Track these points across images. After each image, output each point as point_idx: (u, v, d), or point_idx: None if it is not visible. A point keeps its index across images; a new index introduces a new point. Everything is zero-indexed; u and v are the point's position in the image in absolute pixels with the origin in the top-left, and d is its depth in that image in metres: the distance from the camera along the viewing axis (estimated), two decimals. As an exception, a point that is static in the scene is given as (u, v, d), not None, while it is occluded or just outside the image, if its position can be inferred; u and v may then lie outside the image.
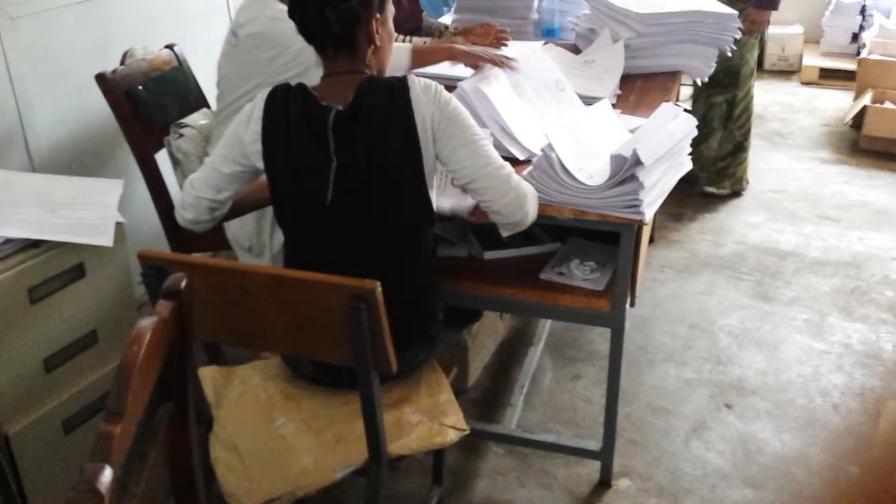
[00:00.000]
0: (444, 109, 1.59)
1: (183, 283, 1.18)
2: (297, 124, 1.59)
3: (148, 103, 2.38)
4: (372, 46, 1.64)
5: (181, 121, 2.35)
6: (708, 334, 2.80)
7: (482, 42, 2.51)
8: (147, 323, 1.07)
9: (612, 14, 2.72)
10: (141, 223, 2.69)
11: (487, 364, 2.67)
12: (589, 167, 1.85)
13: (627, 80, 2.59)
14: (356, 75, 1.63)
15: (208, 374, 1.79)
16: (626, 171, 1.74)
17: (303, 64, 2.03)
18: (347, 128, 1.57)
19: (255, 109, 1.62)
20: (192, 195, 1.70)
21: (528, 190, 1.70)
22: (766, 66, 5.60)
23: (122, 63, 2.44)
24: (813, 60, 5.43)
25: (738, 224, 3.56)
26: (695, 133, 1.96)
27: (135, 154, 2.39)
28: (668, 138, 1.84)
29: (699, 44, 2.69)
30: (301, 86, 1.62)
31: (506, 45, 2.55)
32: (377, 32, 1.64)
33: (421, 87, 1.59)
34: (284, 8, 1.91)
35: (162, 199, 2.42)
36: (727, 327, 2.83)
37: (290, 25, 1.65)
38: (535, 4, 3.09)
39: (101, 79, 2.30)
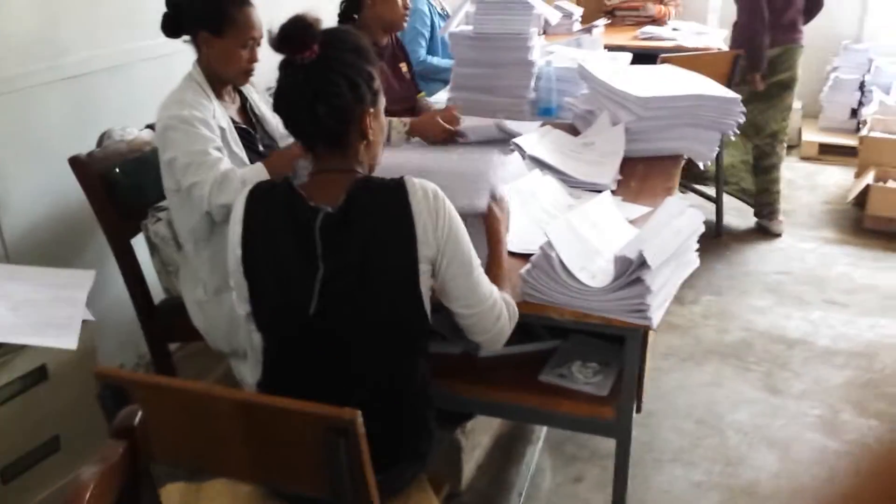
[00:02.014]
0: (451, 225, 1.48)
1: (137, 419, 1.04)
2: (280, 226, 1.47)
3: (124, 186, 2.25)
4: (364, 142, 1.54)
5: (159, 204, 2.24)
6: (716, 431, 2.64)
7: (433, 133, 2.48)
8: (89, 474, 0.93)
9: (611, 96, 2.64)
10: (119, 309, 2.55)
11: (482, 463, 2.50)
12: (591, 266, 1.73)
13: (628, 164, 2.48)
14: (348, 174, 1.51)
15: (175, 491, 1.63)
16: (632, 273, 1.62)
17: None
18: (337, 231, 1.45)
19: (235, 210, 1.51)
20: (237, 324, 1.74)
21: (507, 319, 1.60)
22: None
23: (99, 145, 2.34)
24: (812, 136, 5.39)
25: (744, 308, 3.43)
26: (702, 230, 1.85)
27: (109, 240, 2.26)
28: (674, 237, 1.73)
29: (701, 128, 2.60)
30: (286, 183, 1.51)
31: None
32: (370, 127, 1.53)
33: (421, 191, 1.46)
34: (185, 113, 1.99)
35: (137, 287, 2.29)
36: (736, 423, 2.68)
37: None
38: (532, 83, 3.02)
39: (74, 162, 2.18)
